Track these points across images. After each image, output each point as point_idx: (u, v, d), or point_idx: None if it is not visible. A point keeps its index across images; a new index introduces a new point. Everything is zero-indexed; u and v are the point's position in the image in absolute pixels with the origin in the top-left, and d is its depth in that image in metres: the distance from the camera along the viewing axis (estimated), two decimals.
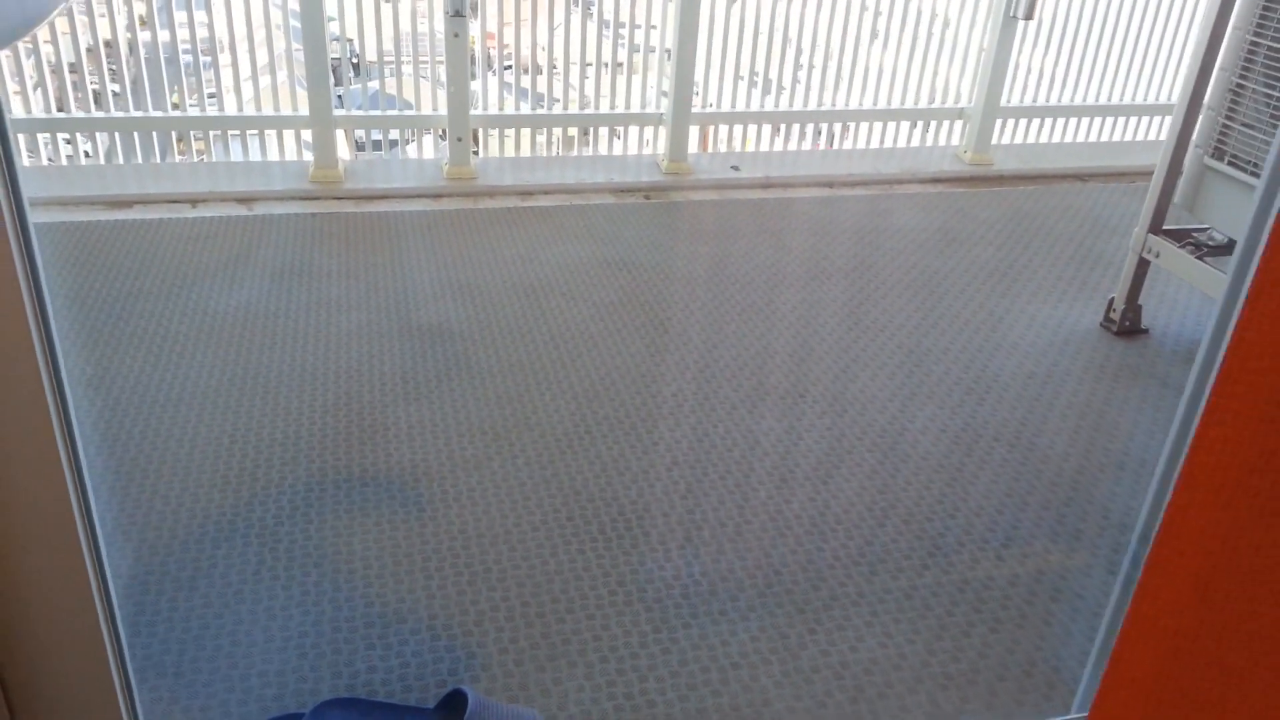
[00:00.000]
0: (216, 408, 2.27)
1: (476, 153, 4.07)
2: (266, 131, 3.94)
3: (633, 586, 1.80)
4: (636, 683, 1.60)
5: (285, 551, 1.83)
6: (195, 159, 4.14)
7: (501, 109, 4.61)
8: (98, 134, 4.04)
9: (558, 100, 4.57)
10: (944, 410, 2.43)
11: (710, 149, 4.74)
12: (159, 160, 3.88)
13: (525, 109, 4.53)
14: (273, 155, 3.95)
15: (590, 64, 4.26)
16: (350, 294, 2.90)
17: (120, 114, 3.76)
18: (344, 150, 4.04)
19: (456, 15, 3.58)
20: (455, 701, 1.43)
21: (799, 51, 4.50)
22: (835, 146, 4.81)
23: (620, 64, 4.51)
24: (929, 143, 4.70)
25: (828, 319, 2.92)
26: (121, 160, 3.95)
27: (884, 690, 1.62)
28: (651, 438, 2.28)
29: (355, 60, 4.28)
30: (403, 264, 3.14)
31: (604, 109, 4.34)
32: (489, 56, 4.29)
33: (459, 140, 3.83)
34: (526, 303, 2.91)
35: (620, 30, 4.47)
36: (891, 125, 4.71)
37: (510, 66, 4.46)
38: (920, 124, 4.68)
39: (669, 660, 1.64)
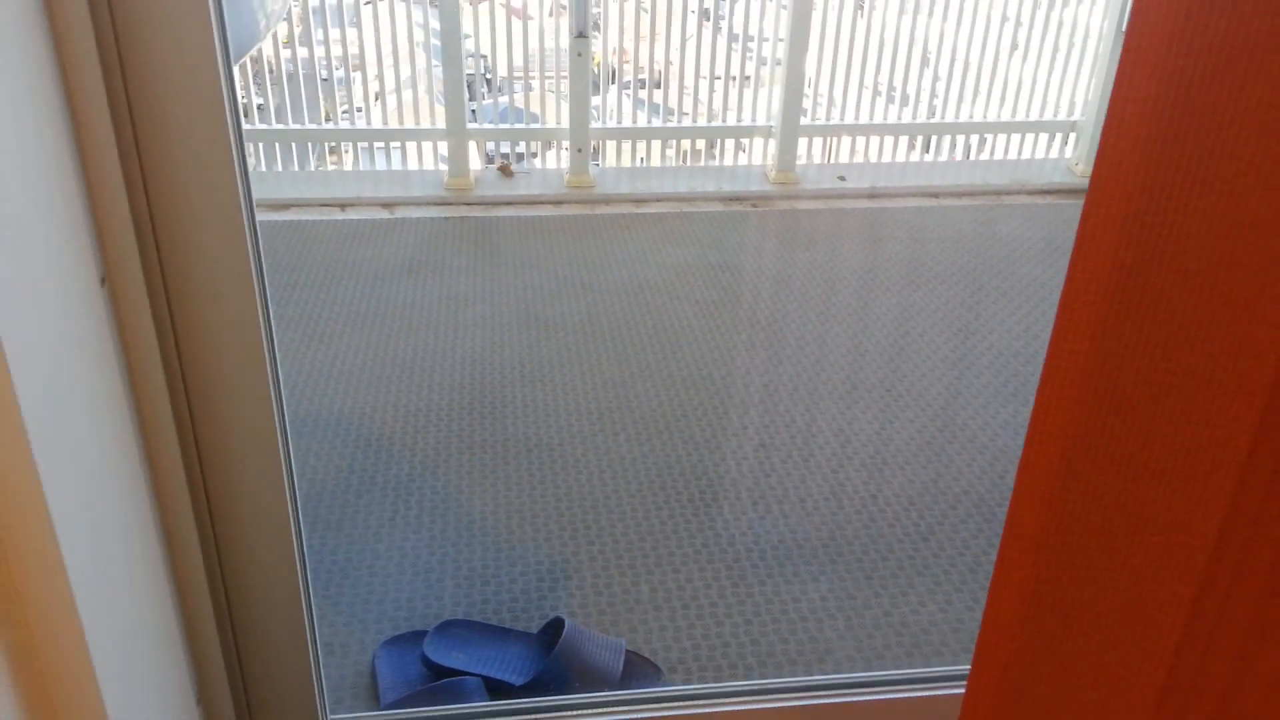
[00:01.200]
0: (359, 383, 2.60)
1: (597, 163, 4.36)
2: (407, 143, 4.31)
3: (715, 548, 2.00)
4: (713, 627, 1.81)
5: (416, 504, 2.11)
6: (345, 167, 4.56)
7: (621, 121, 4.90)
8: (260, 143, 4.51)
9: (686, 114, 4.82)
10: (1028, 406, 2.55)
11: (832, 159, 4.89)
12: (313, 168, 4.31)
13: (655, 121, 4.80)
14: (412, 165, 4.32)
15: (718, 77, 4.49)
16: (476, 289, 3.21)
17: (280, 126, 4.21)
18: (475, 160, 4.38)
19: (580, 36, 3.87)
20: (554, 627, 1.67)
21: (923, 62, 4.62)
22: (945, 157, 4.89)
23: (748, 77, 4.73)
24: (1039, 155, 4.74)
25: (922, 321, 3.06)
26: (280, 168, 4.39)
27: (939, 649, 1.78)
28: (742, 423, 2.49)
29: (488, 76, 4.62)
30: (524, 264, 3.43)
31: (719, 123, 4.56)
32: (614, 72, 4.57)
33: (579, 151, 4.12)
34: (634, 300, 3.16)
35: (749, 44, 4.68)
36: (1001, 137, 4.77)
37: (643, 82, 4.73)
38: (1031, 136, 4.72)
39: (743, 610, 1.84)
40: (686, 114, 4.84)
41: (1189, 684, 0.74)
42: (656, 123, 4.70)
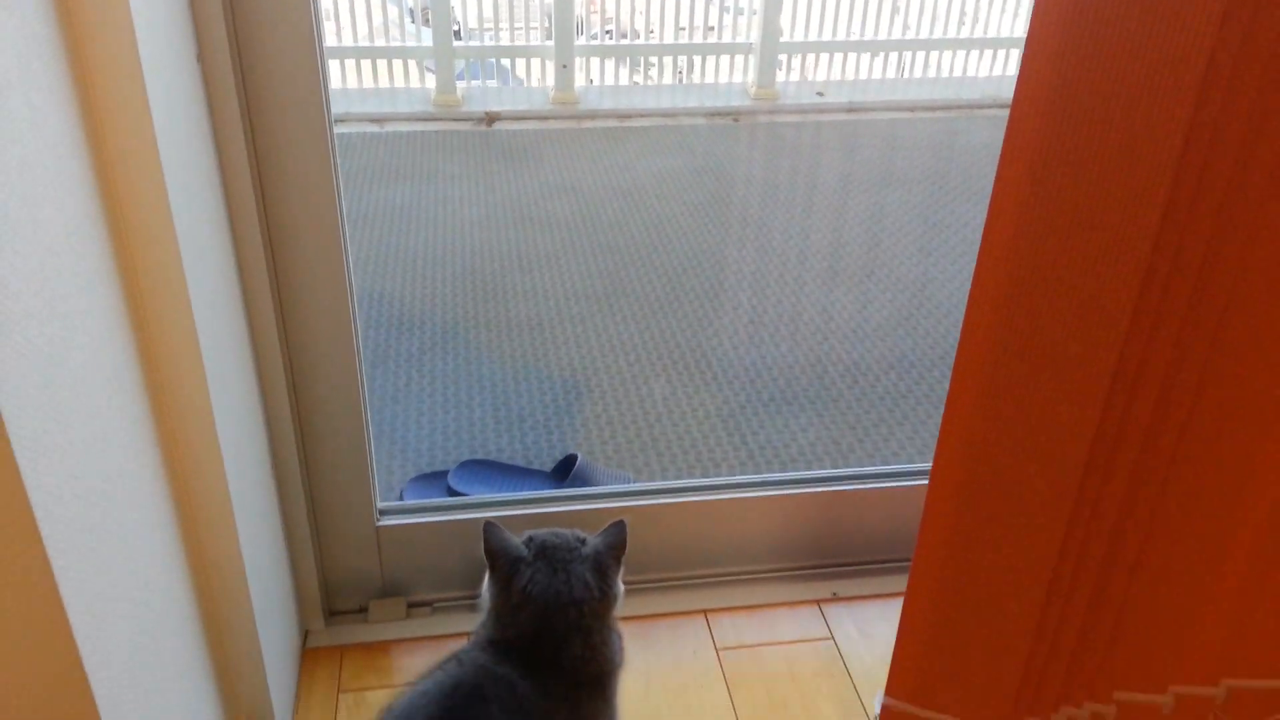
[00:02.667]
0: (367, 273, 2.71)
1: (593, 81, 4.43)
2: (394, 60, 4.37)
3: (710, 406, 2.16)
4: (711, 468, 1.96)
5: (429, 372, 2.25)
6: (332, 85, 4.61)
7: (604, 78, 4.96)
8: None
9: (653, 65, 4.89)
10: None
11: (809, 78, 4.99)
12: None
13: (624, 75, 4.87)
14: (399, 83, 4.38)
15: (684, 28, 4.56)
16: (470, 193, 3.32)
17: None
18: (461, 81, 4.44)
19: None
20: (567, 463, 1.82)
21: None
22: (920, 75, 5.01)
23: (711, 27, 4.80)
24: (1010, 71, 4.86)
25: (897, 217, 3.21)
26: None
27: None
28: (732, 304, 2.63)
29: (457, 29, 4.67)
30: (514, 171, 3.54)
31: (698, 39, 4.65)
32: (581, 22, 4.63)
33: (564, 67, 4.20)
34: (624, 201, 3.28)
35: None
36: (975, 53, 4.89)
37: (610, 31, 4.79)
38: (1004, 51, 4.84)
39: (739, 454, 2.00)
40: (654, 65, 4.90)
41: (1112, 443, 0.90)
42: (633, 42, 4.76)
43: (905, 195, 3.40)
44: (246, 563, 1.03)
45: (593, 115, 4.17)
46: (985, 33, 4.84)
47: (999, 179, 0.86)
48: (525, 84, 4.65)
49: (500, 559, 1.17)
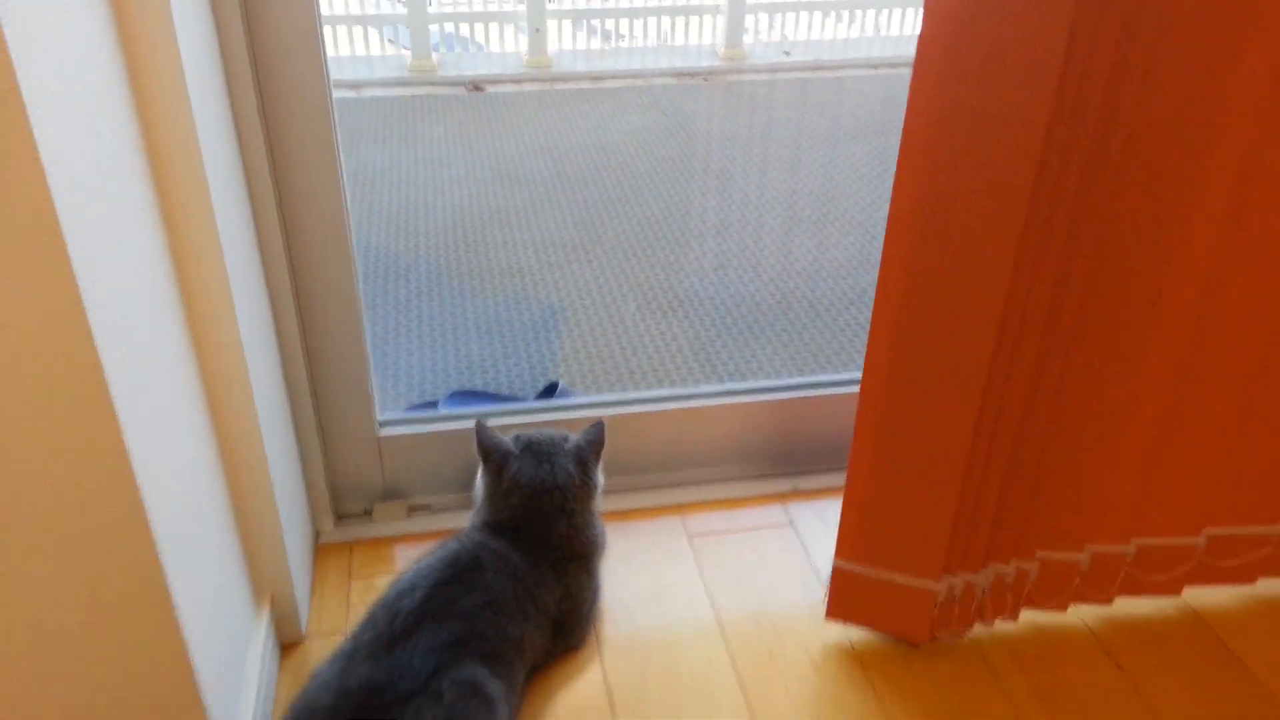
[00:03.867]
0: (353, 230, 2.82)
1: (566, 49, 4.52)
2: (370, 28, 4.45)
3: (683, 338, 2.30)
4: (683, 392, 2.10)
5: (417, 317, 2.38)
6: None
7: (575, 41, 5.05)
8: None
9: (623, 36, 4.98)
10: None
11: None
12: None
13: (595, 42, 4.96)
14: (374, 50, 4.46)
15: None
16: (449, 154, 3.43)
17: None
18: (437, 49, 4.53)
19: None
20: (550, 389, 1.95)
21: None
22: (884, 33, 5.13)
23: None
24: None
25: (860, 168, 3.34)
26: None
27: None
28: (702, 249, 2.77)
29: None
30: (491, 132, 3.65)
31: (669, 3, 4.75)
32: None
33: (536, 31, 4.30)
34: (598, 157, 3.40)
35: None
36: None
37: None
38: None
39: (707, 376, 2.15)
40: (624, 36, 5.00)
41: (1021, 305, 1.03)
42: (604, 5, 4.86)
43: (867, 147, 3.53)
44: (270, 464, 1.17)
45: (566, 78, 4.28)
46: None
47: (912, 88, 1.00)
48: (499, 50, 4.75)
49: (492, 453, 1.31)
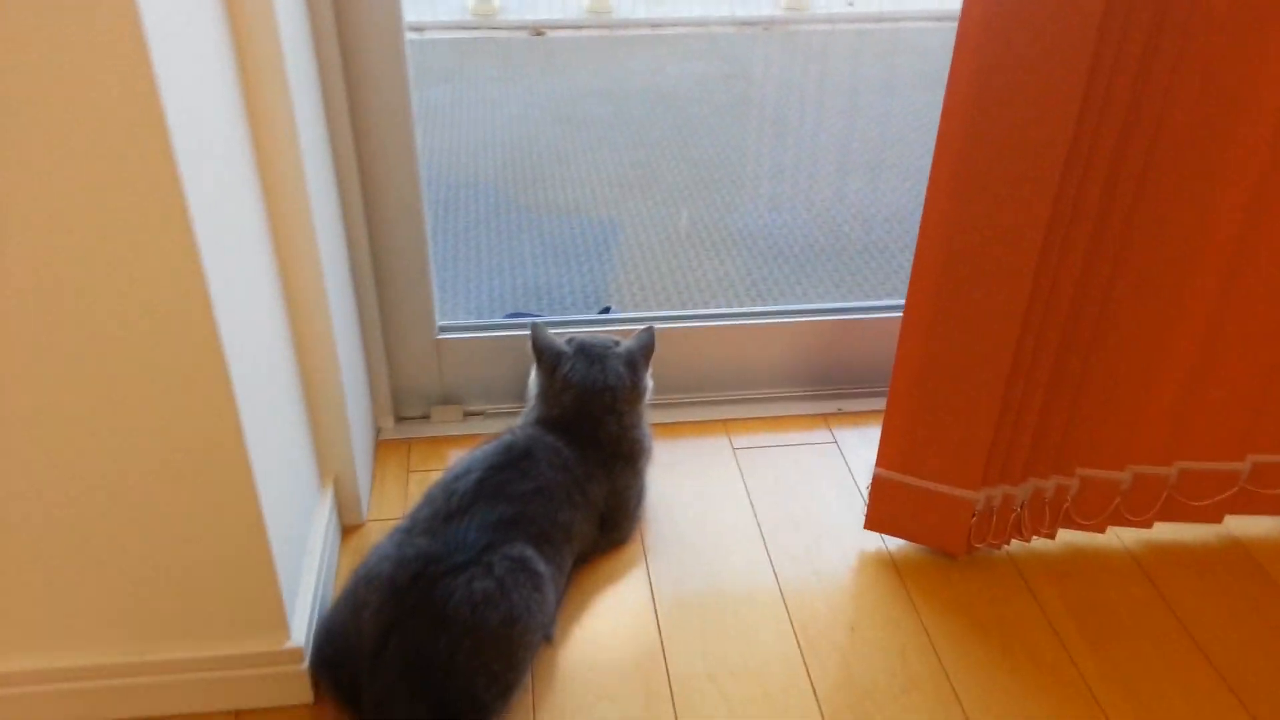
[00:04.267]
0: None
1: None
2: None
3: (736, 275, 2.32)
4: (732, 311, 2.13)
5: (474, 247, 2.43)
6: None
7: None
8: None
9: None
10: None
11: None
12: None
13: None
14: None
15: None
16: (508, 94, 3.46)
17: None
18: None
19: None
20: (603, 314, 2.00)
21: None
22: None
23: None
24: None
25: (922, 117, 3.32)
26: None
27: None
28: (756, 191, 2.78)
29: None
30: (550, 75, 3.67)
31: None
32: None
33: None
34: (655, 102, 3.41)
35: None
36: None
37: None
38: None
39: (754, 301, 2.17)
40: None
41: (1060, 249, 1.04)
42: None
43: (927, 96, 3.50)
44: (340, 357, 1.23)
45: (626, 24, 4.28)
46: None
47: (952, 71, 1.01)
48: None
49: (545, 353, 1.36)
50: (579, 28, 4.23)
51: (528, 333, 1.37)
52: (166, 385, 0.89)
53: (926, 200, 1.11)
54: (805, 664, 1.18)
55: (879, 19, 4.44)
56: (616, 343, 1.38)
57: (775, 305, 1.76)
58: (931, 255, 1.13)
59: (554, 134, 3.13)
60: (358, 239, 1.38)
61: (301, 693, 1.10)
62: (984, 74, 1.02)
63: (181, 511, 0.97)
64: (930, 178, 1.10)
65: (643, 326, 1.41)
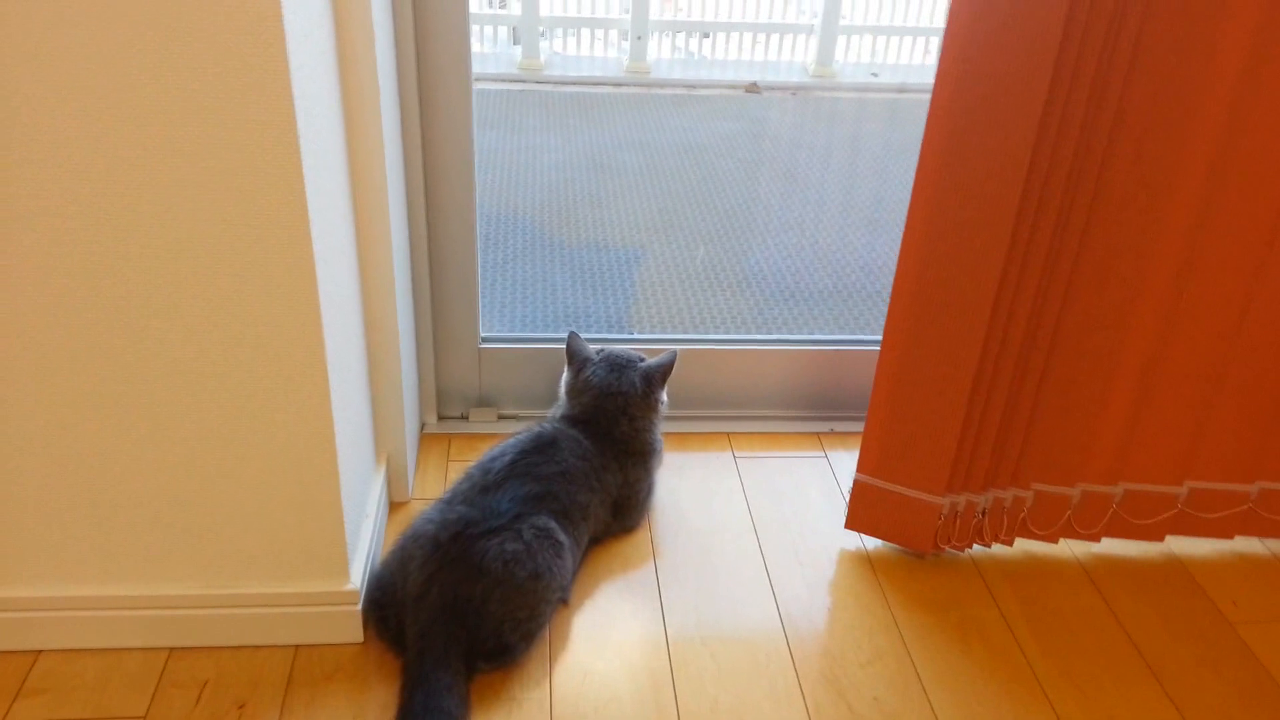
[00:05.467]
0: None
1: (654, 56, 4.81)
2: (484, 26, 4.79)
3: (748, 313, 2.53)
4: (738, 337, 2.34)
5: (513, 274, 2.66)
6: None
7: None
8: None
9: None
10: None
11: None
12: None
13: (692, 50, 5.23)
14: (488, 48, 4.80)
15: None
16: (548, 142, 3.73)
17: None
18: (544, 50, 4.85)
19: None
20: None
21: None
22: None
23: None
24: None
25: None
26: None
27: None
28: (775, 242, 3.00)
29: None
30: (588, 127, 3.94)
31: (765, 19, 5.00)
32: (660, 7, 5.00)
33: (638, 39, 4.59)
34: (685, 156, 3.66)
35: None
36: None
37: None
38: None
39: (762, 331, 2.37)
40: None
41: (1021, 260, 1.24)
42: (703, 19, 5.12)
43: None
44: (401, 348, 1.44)
45: (662, 84, 4.56)
46: None
47: (936, 84, 1.22)
48: (602, 55, 5.05)
49: (576, 356, 1.57)
50: (618, 85, 4.52)
51: (559, 347, 1.58)
52: (274, 351, 1.10)
53: (903, 239, 1.32)
54: (785, 634, 1.36)
55: (901, 89, 4.70)
56: (641, 358, 1.59)
57: (775, 335, 1.96)
58: (906, 286, 1.33)
59: (589, 179, 3.38)
60: (420, 255, 1.60)
61: (354, 632, 1.29)
62: (952, 135, 1.23)
63: (273, 462, 1.17)
64: (907, 220, 1.31)
65: (668, 349, 1.62)
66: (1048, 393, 1.41)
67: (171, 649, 1.27)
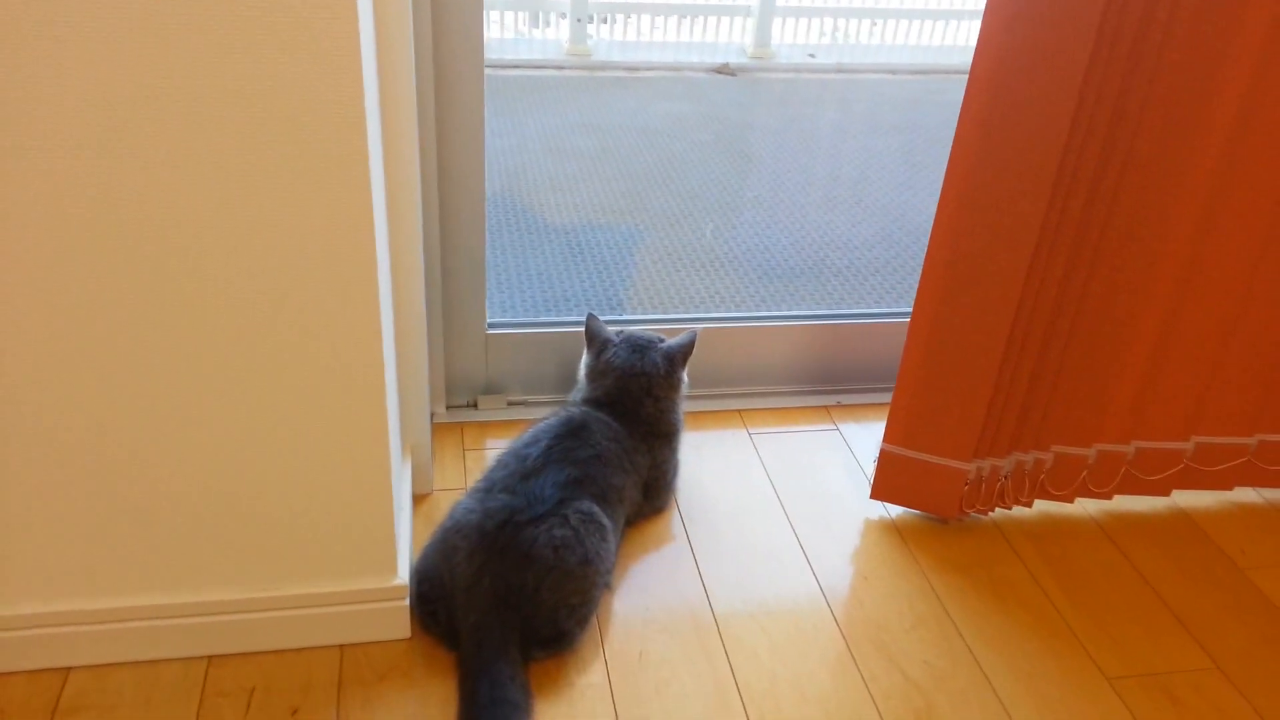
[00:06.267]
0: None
1: (592, 37, 4.78)
2: None
3: (725, 292, 2.54)
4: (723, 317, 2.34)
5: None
6: None
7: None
8: None
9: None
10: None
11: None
12: None
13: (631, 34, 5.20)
14: None
15: None
16: (500, 126, 3.66)
17: None
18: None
19: None
20: None
21: None
22: (903, 42, 5.38)
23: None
24: None
25: (882, 157, 3.60)
26: None
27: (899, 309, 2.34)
28: (739, 220, 3.01)
29: None
30: (539, 111, 3.89)
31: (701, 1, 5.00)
32: None
33: (579, 21, 4.54)
34: (638, 138, 3.64)
35: None
36: (954, 23, 5.28)
37: None
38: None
39: (745, 310, 2.38)
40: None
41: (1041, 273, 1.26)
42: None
43: (888, 141, 3.79)
44: (427, 341, 1.40)
45: (604, 67, 4.52)
46: (965, 5, 5.22)
47: (963, 110, 1.23)
48: (541, 38, 4.99)
49: (596, 338, 1.55)
50: (560, 68, 4.46)
51: (566, 331, 1.55)
52: (331, 340, 1.06)
53: (937, 211, 1.33)
54: (828, 604, 1.37)
55: (838, 69, 4.76)
56: (661, 339, 1.57)
57: (778, 311, 1.97)
58: (940, 256, 1.35)
59: (547, 163, 3.33)
60: (431, 241, 1.56)
61: (401, 628, 1.26)
62: (989, 108, 1.25)
63: (325, 456, 1.12)
64: (942, 192, 1.32)
65: (688, 329, 1.60)
66: (1071, 357, 1.45)
67: (210, 657, 1.21)
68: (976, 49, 1.23)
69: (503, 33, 4.80)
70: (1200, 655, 1.34)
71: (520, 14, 4.83)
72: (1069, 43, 1.19)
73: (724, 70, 4.31)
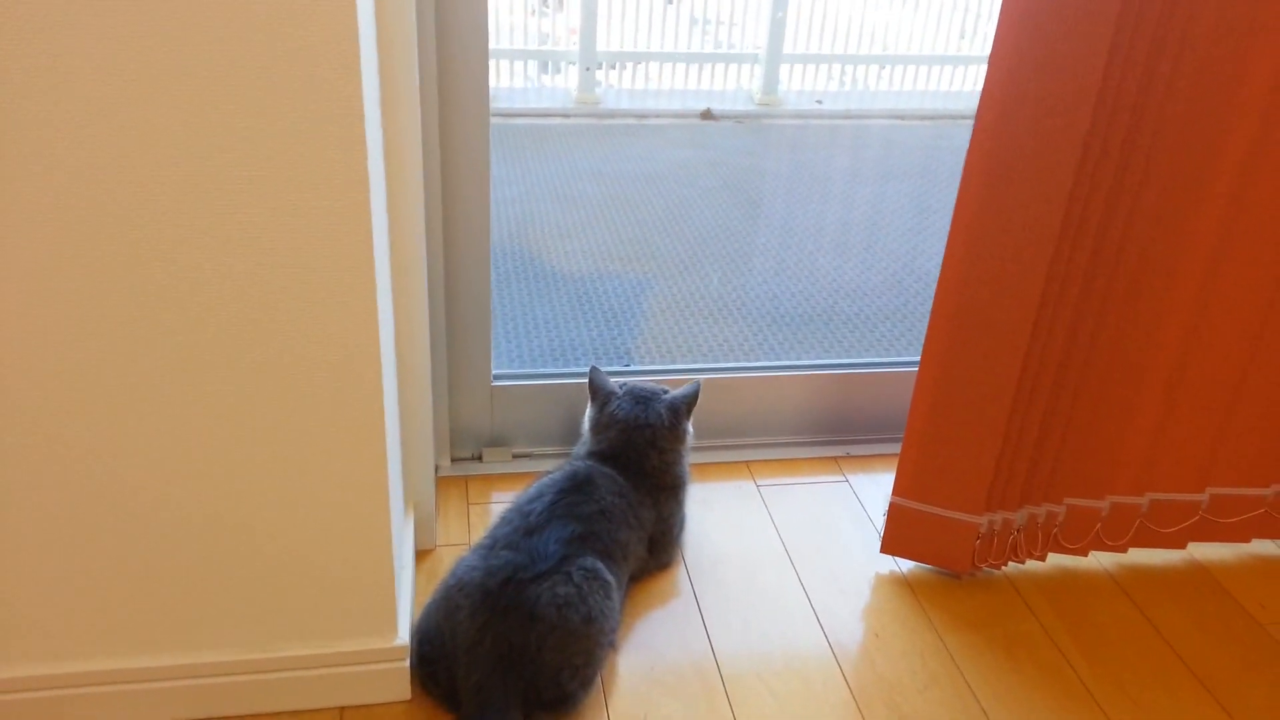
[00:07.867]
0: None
1: (600, 84, 4.83)
2: None
3: (734, 341, 2.53)
4: (748, 364, 2.33)
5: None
6: None
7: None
8: None
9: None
10: None
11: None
12: None
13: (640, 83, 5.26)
14: None
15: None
16: (507, 175, 3.69)
17: None
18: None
19: None
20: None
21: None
22: (910, 88, 5.42)
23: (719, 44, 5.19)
24: None
25: (891, 203, 3.61)
26: None
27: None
28: (749, 266, 3.01)
29: None
30: (546, 159, 3.92)
31: (711, 49, 5.05)
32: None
33: (587, 70, 4.59)
34: (645, 185, 3.66)
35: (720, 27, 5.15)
36: (961, 69, 5.32)
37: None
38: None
39: (753, 358, 2.37)
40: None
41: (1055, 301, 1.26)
42: (650, 50, 5.16)
43: (898, 187, 3.80)
44: (431, 395, 1.39)
45: (612, 114, 4.57)
46: (974, 50, 5.27)
47: (969, 153, 1.23)
48: (550, 86, 5.04)
49: (599, 391, 1.54)
50: (568, 116, 4.51)
51: (571, 382, 1.54)
52: (331, 395, 1.05)
53: (944, 261, 1.32)
54: (838, 663, 1.34)
55: (846, 115, 4.79)
56: (665, 390, 1.56)
57: (789, 360, 1.96)
58: (946, 307, 1.34)
59: (553, 211, 3.35)
60: (435, 292, 1.56)
61: (402, 689, 1.23)
62: (993, 158, 1.24)
63: (324, 514, 1.11)
64: (948, 242, 1.31)
65: (692, 380, 1.59)
66: (1081, 407, 1.43)
67: (209, 719, 1.19)
68: (981, 99, 1.23)
69: (512, 80, 4.86)
70: (1221, 715, 1.31)
71: (530, 62, 4.90)
72: (1073, 93, 1.19)
73: (707, 116, 4.34)
